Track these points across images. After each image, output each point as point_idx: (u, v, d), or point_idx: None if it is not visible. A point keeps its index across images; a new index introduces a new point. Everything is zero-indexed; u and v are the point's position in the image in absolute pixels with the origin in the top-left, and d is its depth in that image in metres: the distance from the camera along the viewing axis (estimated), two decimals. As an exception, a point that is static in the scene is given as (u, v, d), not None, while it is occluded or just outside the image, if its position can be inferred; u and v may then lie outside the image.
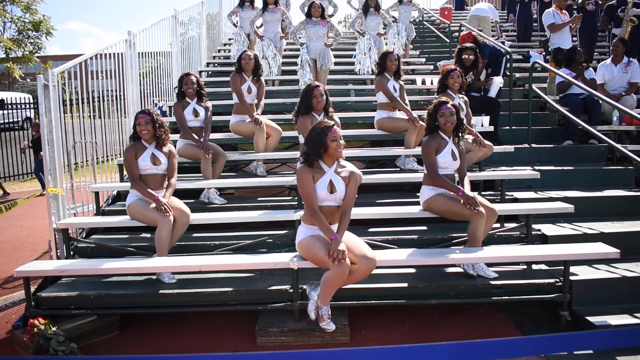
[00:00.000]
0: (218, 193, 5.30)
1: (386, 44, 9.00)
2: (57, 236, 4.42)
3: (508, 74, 7.11)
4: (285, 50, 8.99)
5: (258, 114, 5.64)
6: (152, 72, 7.28)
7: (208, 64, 10.00)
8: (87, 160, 5.50)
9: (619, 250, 3.74)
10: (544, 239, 4.54)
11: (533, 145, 6.32)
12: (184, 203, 4.31)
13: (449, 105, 4.12)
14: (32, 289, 3.90)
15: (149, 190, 4.15)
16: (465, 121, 4.52)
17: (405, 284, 3.93)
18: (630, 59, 7.03)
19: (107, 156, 6.17)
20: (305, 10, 7.87)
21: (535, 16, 11.43)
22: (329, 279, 3.41)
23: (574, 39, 8.87)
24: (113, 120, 6.29)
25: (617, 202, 5.25)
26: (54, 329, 3.50)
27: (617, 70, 7.00)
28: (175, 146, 4.71)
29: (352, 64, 8.67)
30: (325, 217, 3.51)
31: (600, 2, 9.33)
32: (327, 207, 3.56)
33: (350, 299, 3.85)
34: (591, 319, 3.68)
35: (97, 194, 5.05)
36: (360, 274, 3.47)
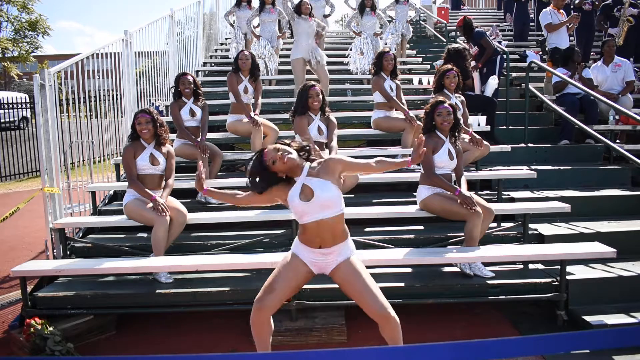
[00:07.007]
0: (215, 193, 5.29)
1: (384, 44, 8.99)
2: (53, 236, 4.41)
3: (505, 73, 7.12)
4: (282, 49, 8.97)
5: (256, 114, 5.63)
6: (148, 72, 7.26)
7: (205, 64, 9.97)
8: (83, 160, 5.48)
9: (615, 250, 3.75)
10: (541, 239, 4.55)
11: (530, 144, 6.33)
12: (180, 203, 4.31)
13: (446, 105, 4.12)
14: (29, 288, 3.89)
15: (147, 190, 4.14)
16: (462, 121, 4.53)
17: (402, 284, 3.93)
18: (621, 59, 7.07)
19: (103, 156, 6.16)
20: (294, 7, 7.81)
21: (532, 16, 11.45)
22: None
23: (571, 38, 8.89)
24: (110, 120, 6.28)
25: (614, 201, 5.27)
26: (50, 328, 3.48)
27: (609, 71, 7.04)
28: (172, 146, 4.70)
29: (349, 63, 8.66)
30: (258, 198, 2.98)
31: (597, 2, 9.34)
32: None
33: (347, 299, 3.83)
34: (588, 318, 3.69)
35: (93, 193, 5.04)
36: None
